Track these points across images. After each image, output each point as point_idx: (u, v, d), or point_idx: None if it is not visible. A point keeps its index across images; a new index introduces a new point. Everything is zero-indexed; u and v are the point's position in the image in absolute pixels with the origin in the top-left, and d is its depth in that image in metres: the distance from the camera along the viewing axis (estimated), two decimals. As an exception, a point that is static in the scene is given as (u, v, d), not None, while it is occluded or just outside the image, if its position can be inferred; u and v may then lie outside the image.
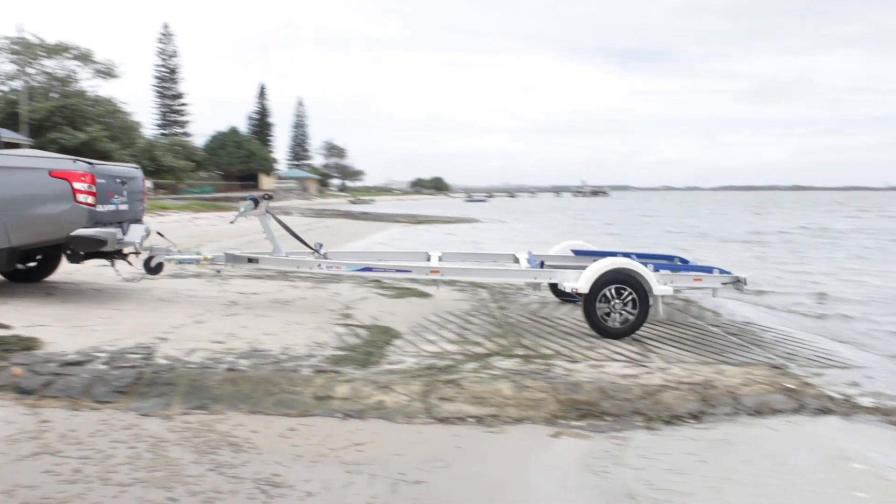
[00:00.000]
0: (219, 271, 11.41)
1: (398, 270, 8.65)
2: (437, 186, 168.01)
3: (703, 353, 7.26)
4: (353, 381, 5.75)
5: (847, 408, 5.88)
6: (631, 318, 7.65)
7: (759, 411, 5.77)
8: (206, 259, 8.95)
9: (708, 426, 5.45)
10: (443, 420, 5.33)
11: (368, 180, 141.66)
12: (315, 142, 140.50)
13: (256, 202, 9.27)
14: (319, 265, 8.71)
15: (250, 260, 8.86)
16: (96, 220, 8.35)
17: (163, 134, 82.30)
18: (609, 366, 6.54)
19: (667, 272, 8.16)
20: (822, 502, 4.25)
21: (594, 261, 8.07)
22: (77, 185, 8.07)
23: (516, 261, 9.33)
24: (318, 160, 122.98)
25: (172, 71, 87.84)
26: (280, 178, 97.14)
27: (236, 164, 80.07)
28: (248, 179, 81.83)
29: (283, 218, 10.54)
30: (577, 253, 9.76)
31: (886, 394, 6.34)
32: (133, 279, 9.36)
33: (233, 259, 8.86)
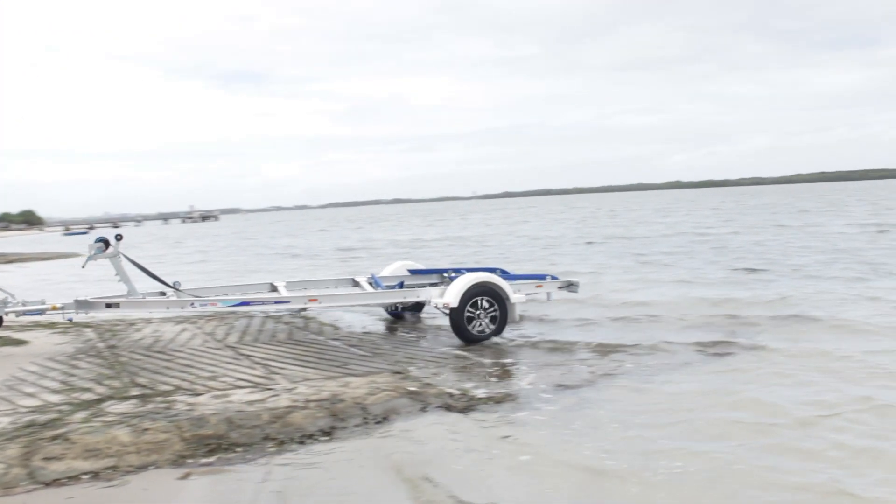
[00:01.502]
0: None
1: (276, 302, 8.63)
2: (28, 220, 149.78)
3: (327, 367, 7.41)
4: (-71, 457, 4.84)
5: (465, 401, 6.39)
6: (493, 325, 8.75)
7: (386, 417, 6.02)
8: (54, 308, 7.87)
9: (339, 441, 5.54)
10: (51, 483, 4.72)
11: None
12: None
13: (107, 244, 8.38)
14: (193, 304, 8.17)
15: (108, 305, 7.97)
16: None
17: None
18: (234, 394, 6.36)
19: (515, 282, 9.37)
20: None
21: (445, 277, 9.59)
22: None
23: (356, 284, 10.04)
24: None
25: None
26: None
27: None
28: None
29: None
30: (413, 272, 10.50)
31: (495, 382, 7.03)
32: None
33: (86, 306, 7.85)
